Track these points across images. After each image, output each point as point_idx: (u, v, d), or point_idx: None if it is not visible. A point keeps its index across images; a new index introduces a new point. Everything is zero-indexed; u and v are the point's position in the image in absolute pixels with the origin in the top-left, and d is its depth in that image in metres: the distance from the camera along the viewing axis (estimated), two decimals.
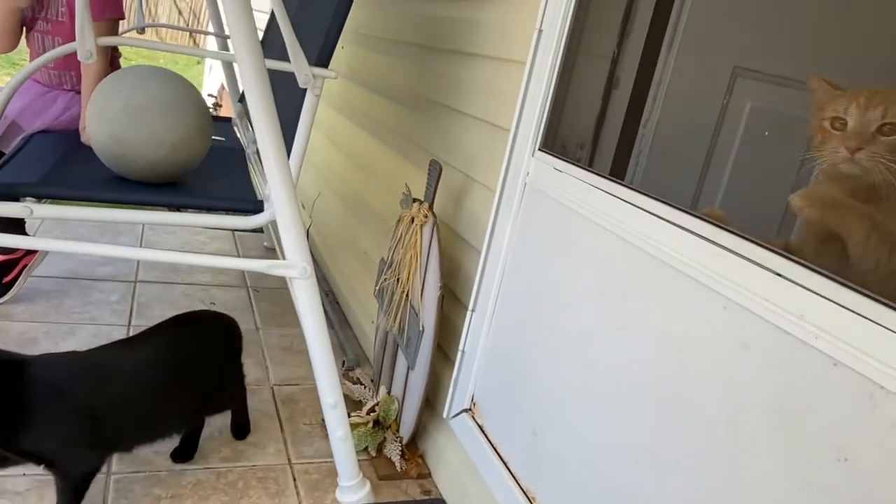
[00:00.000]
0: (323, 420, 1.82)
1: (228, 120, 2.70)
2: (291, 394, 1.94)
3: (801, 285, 0.82)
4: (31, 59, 2.12)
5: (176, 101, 1.64)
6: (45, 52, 2.01)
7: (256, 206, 1.56)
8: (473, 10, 1.76)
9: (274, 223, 1.39)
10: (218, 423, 1.71)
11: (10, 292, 2.14)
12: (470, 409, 1.60)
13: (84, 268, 2.47)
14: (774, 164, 1.41)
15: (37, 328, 2.01)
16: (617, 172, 1.52)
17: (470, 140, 1.72)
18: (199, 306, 2.36)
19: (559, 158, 1.35)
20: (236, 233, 3.18)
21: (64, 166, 1.77)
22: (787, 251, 0.91)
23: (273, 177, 1.30)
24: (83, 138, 1.95)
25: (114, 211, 1.58)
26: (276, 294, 2.59)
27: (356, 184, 2.68)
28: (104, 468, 1.47)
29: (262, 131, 1.27)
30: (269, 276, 2.70)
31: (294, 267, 1.36)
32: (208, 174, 1.88)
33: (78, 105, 2.09)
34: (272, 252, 2.97)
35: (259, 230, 3.19)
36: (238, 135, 2.39)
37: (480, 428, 1.54)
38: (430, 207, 1.64)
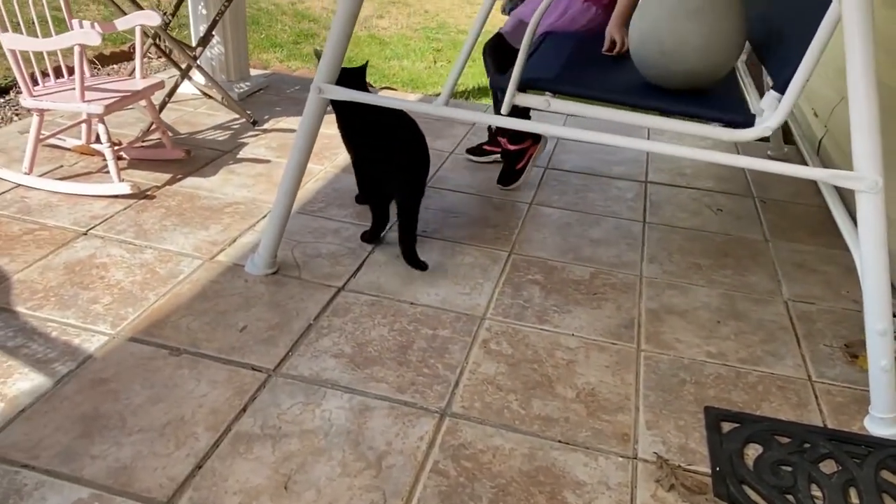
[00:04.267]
0: (846, 345, 1.73)
1: None
2: (807, 311, 1.86)
3: None
4: None
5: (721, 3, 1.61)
6: None
7: (748, 120, 1.47)
8: None
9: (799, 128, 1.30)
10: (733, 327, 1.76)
11: (520, 178, 2.48)
12: None
13: (600, 166, 2.73)
14: None
15: (569, 216, 2.33)
16: None
17: None
18: (706, 211, 2.41)
19: None
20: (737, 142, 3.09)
21: (575, 66, 1.91)
22: None
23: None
24: (606, 46, 2.04)
25: (625, 113, 1.61)
26: (782, 207, 2.47)
27: None
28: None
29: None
30: (774, 187, 2.59)
31: (863, 179, 1.27)
32: None
33: (574, 8, 2.22)
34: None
35: (766, 139, 3.04)
36: None
37: None
38: None
